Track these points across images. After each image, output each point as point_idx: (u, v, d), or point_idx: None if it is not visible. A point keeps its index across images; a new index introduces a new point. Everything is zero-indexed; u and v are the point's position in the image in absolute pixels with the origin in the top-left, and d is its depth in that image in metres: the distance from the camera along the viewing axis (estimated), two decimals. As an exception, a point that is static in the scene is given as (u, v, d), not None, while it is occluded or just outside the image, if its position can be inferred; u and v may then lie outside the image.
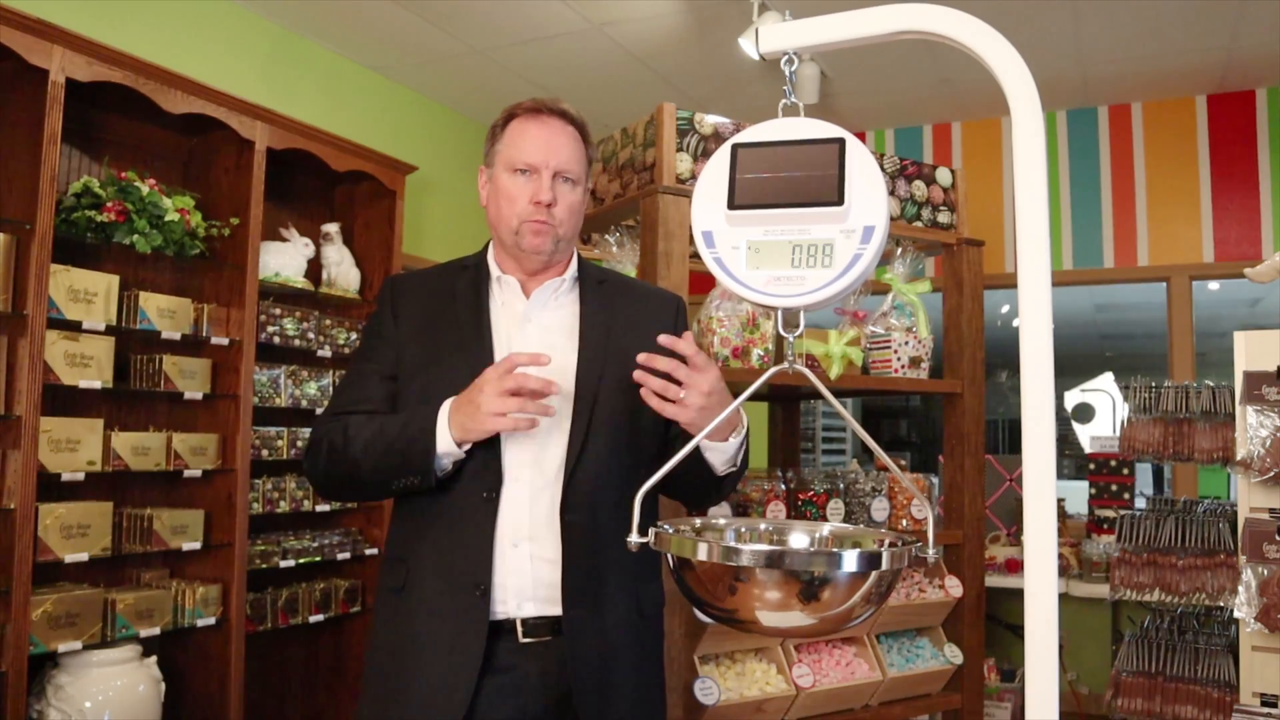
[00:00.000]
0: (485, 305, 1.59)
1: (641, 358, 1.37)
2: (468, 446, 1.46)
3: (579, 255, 1.69)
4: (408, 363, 1.59)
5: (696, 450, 1.43)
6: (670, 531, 1.04)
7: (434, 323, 1.60)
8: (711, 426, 1.18)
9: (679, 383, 1.37)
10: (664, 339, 1.38)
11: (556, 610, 1.49)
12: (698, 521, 1.16)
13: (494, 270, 1.63)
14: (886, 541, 1.07)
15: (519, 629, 1.48)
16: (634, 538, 1.03)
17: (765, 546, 1.09)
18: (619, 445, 1.53)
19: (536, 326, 1.59)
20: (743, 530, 1.18)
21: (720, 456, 1.48)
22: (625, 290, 1.69)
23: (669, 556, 0.99)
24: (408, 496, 1.58)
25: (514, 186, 1.56)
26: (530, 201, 1.54)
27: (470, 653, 1.45)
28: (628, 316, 1.63)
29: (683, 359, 1.37)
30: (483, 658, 1.45)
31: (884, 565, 0.93)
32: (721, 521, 1.19)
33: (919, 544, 0.99)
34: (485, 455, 1.49)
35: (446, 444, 1.44)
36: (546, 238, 1.56)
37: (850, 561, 0.92)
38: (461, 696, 1.44)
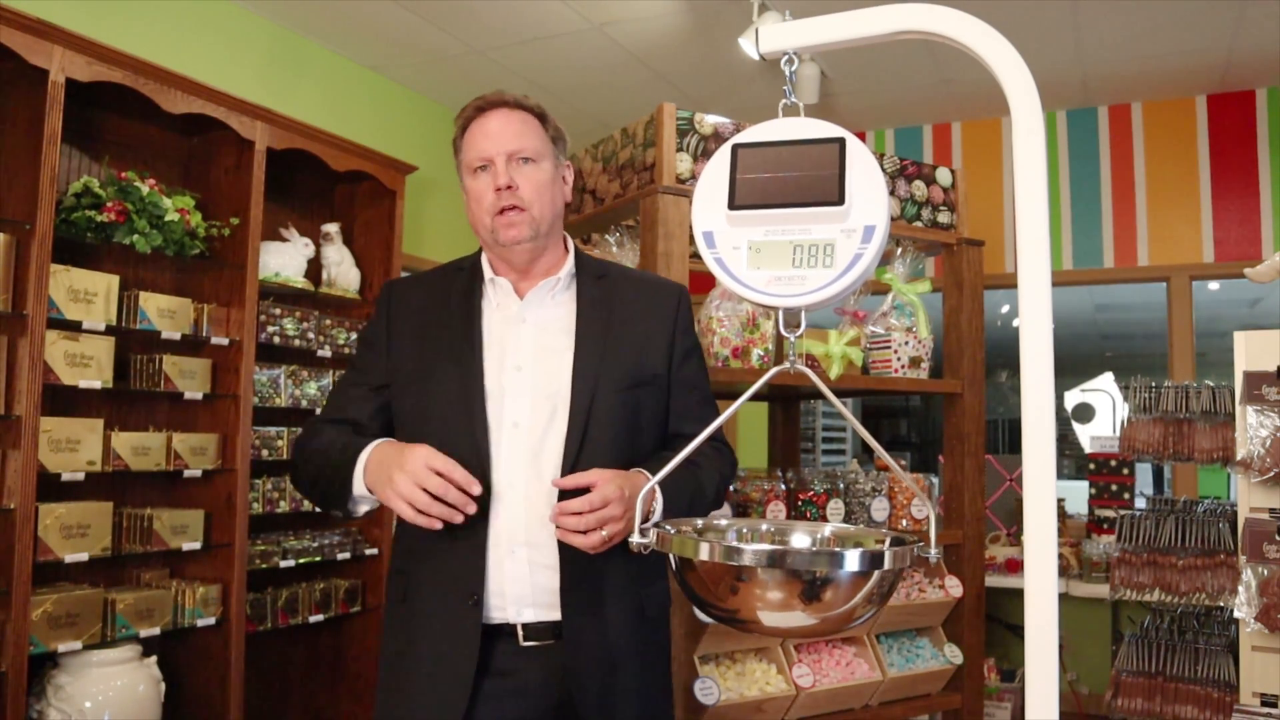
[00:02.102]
0: (477, 311, 1.58)
1: (554, 510, 1.37)
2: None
3: (577, 250, 1.66)
4: (402, 373, 1.58)
5: None
6: (672, 532, 1.04)
7: (428, 330, 1.59)
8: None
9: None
10: (557, 481, 1.40)
11: (557, 615, 1.48)
12: (699, 522, 1.16)
13: (487, 272, 1.61)
14: (888, 541, 1.07)
15: (519, 633, 1.47)
16: (635, 538, 1.03)
17: (767, 546, 1.09)
18: (618, 445, 1.50)
19: (531, 327, 1.56)
20: (744, 530, 1.18)
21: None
22: (626, 284, 1.65)
23: (671, 556, 0.99)
24: None
25: (478, 186, 1.55)
26: (492, 192, 1.52)
27: (464, 662, 1.45)
28: (627, 313, 1.59)
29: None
30: (477, 665, 1.45)
31: (886, 565, 0.93)
32: (723, 522, 1.19)
33: (920, 544, 0.99)
34: (473, 467, 1.47)
35: (361, 488, 1.45)
36: (520, 227, 1.52)
37: (852, 561, 0.92)
38: (457, 704, 1.44)
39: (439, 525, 1.36)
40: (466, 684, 1.44)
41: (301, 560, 3.41)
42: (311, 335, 3.50)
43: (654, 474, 1.43)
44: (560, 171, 1.61)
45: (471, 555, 1.47)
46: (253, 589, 3.22)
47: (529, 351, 1.54)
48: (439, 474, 1.35)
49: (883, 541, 1.08)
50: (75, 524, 2.65)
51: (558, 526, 1.38)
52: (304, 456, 1.56)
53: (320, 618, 3.47)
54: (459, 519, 1.37)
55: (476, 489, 1.37)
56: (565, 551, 1.46)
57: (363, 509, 1.52)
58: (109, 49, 2.72)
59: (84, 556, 2.66)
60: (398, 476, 1.36)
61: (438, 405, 1.52)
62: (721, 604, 0.96)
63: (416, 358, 1.58)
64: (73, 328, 2.69)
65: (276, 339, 3.36)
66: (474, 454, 1.48)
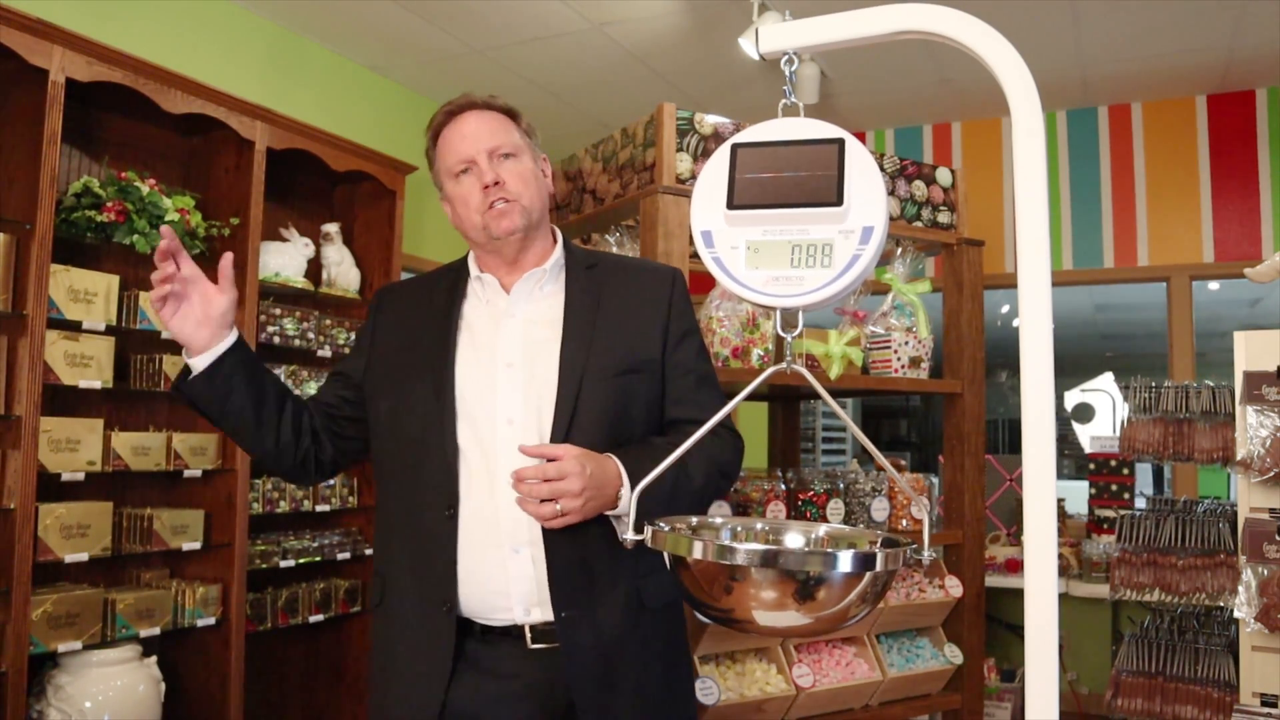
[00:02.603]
0: (458, 306, 1.58)
1: (514, 475, 1.37)
2: (205, 357, 1.45)
3: (565, 241, 1.65)
4: (378, 376, 1.59)
5: None
6: (666, 530, 1.04)
7: (410, 333, 1.60)
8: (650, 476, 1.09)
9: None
10: (524, 448, 1.39)
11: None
12: (694, 520, 1.16)
13: (473, 270, 1.61)
14: (880, 541, 1.07)
15: (528, 635, 1.46)
16: (630, 535, 1.02)
17: (760, 546, 1.08)
18: (605, 433, 1.48)
19: (520, 322, 1.55)
20: (739, 529, 1.17)
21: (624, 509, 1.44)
22: (618, 271, 1.63)
23: (665, 555, 0.99)
24: (382, 510, 1.58)
25: (461, 189, 1.55)
26: (479, 192, 1.53)
27: (437, 666, 1.45)
28: (618, 300, 1.57)
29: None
30: (468, 665, 1.45)
31: (878, 566, 0.93)
32: (718, 520, 1.19)
33: (914, 545, 0.99)
34: (443, 473, 1.47)
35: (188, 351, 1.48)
36: (513, 216, 1.53)
37: (844, 562, 0.92)
38: (431, 709, 1.44)
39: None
40: (440, 690, 1.44)
41: (301, 560, 3.41)
42: (311, 335, 3.50)
43: (628, 461, 1.43)
44: (539, 165, 1.62)
45: (442, 563, 1.46)
46: (253, 589, 3.22)
47: (518, 347, 1.53)
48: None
49: (876, 542, 1.07)
50: (75, 524, 2.65)
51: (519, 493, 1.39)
52: None
53: (320, 618, 3.47)
54: (176, 279, 1.41)
55: (163, 274, 1.41)
56: (551, 546, 1.45)
57: (196, 363, 1.48)
58: (109, 49, 2.71)
59: (84, 556, 2.66)
60: None
61: (412, 407, 1.52)
62: (716, 604, 0.96)
63: (394, 360, 1.58)
64: (73, 328, 2.69)
65: (276, 339, 3.36)
66: (442, 455, 1.48)
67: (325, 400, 1.64)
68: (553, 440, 1.46)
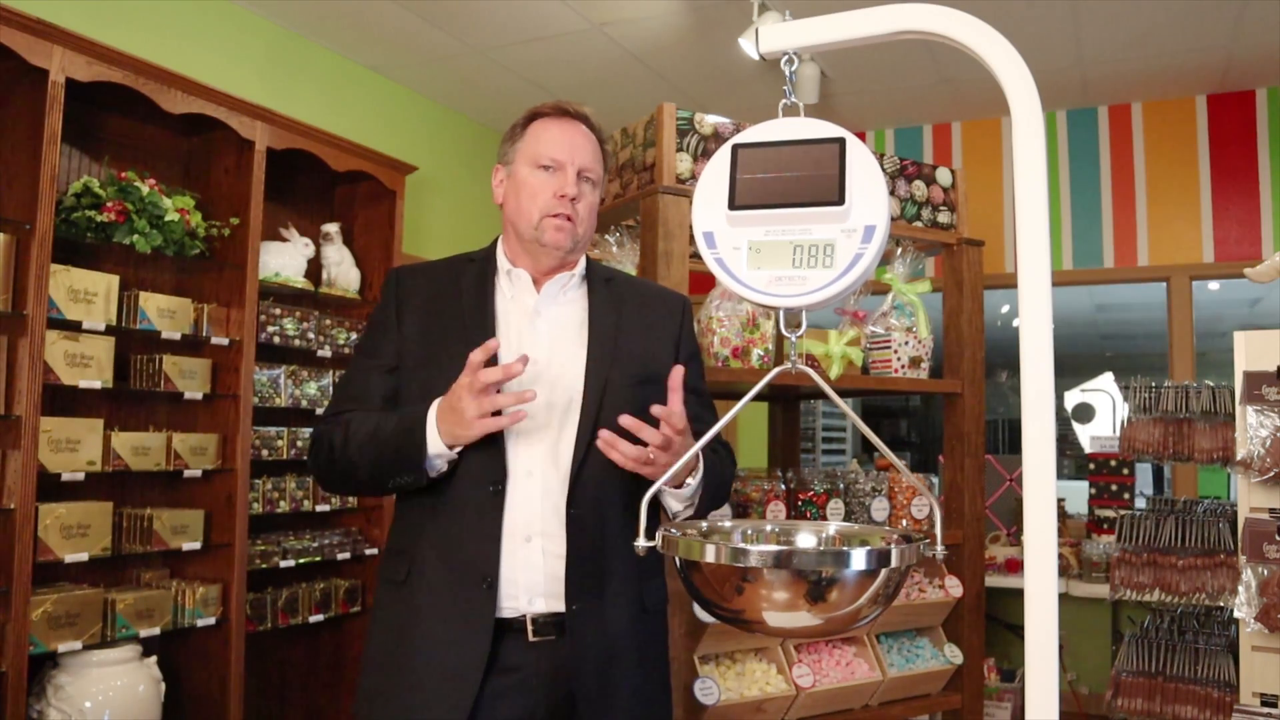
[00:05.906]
0: (491, 300, 1.60)
1: (628, 422, 1.40)
2: (459, 448, 1.47)
3: (586, 255, 1.71)
4: (409, 357, 1.59)
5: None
6: (677, 534, 1.04)
7: (437, 316, 1.61)
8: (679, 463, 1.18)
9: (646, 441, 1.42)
10: (657, 410, 1.41)
11: (563, 605, 1.49)
12: (704, 524, 1.16)
13: (504, 264, 1.63)
14: (894, 539, 1.07)
15: (529, 627, 1.48)
16: (641, 540, 1.02)
17: (773, 547, 1.08)
18: (625, 439, 1.52)
19: (547, 322, 1.60)
20: (749, 531, 1.17)
21: (677, 501, 1.53)
22: (632, 290, 1.71)
23: (676, 558, 0.98)
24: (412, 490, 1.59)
25: (536, 181, 1.58)
26: (555, 195, 1.56)
27: (476, 648, 1.45)
28: (635, 316, 1.65)
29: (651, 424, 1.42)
30: (489, 654, 1.45)
31: (893, 562, 0.92)
32: (727, 524, 1.19)
33: (926, 541, 0.99)
34: (489, 450, 1.49)
35: (437, 446, 1.45)
36: (566, 234, 1.57)
37: (859, 560, 0.92)
38: (467, 693, 1.43)
39: (525, 414, 1.43)
40: (477, 674, 1.44)
41: (301, 560, 3.41)
42: (311, 335, 3.50)
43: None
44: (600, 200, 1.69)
45: (486, 539, 1.48)
46: (253, 589, 3.22)
47: (545, 345, 1.57)
48: (486, 386, 1.38)
49: (888, 540, 1.07)
50: (75, 524, 2.65)
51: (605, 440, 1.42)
52: (356, 445, 1.51)
53: (320, 618, 3.47)
54: (530, 395, 1.41)
55: (519, 368, 1.38)
56: (572, 541, 1.49)
57: (439, 467, 1.49)
58: (109, 49, 2.71)
59: (84, 556, 2.66)
60: (462, 406, 1.39)
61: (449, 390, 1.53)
62: (727, 605, 0.96)
63: (424, 344, 1.59)
64: (73, 328, 2.69)
65: (276, 339, 3.36)
66: (486, 439, 1.49)
67: (378, 404, 1.59)
68: (579, 439, 1.51)
